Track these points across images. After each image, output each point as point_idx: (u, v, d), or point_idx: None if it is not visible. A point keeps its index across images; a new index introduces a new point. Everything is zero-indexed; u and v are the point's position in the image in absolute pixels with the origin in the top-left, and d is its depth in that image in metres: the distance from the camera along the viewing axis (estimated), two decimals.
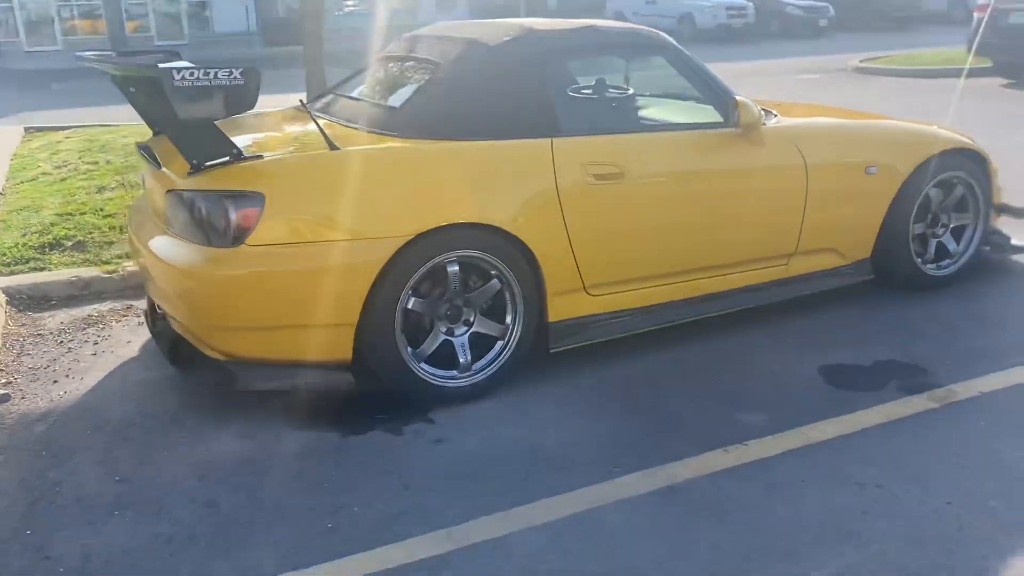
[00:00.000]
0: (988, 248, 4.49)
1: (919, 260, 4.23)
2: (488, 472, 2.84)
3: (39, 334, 4.05)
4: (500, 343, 3.33)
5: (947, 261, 4.34)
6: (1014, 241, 4.62)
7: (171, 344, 3.34)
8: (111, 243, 5.03)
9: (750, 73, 14.08)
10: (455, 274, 3.20)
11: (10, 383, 3.54)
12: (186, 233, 3.09)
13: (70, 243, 5.01)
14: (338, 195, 3.05)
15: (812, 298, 4.07)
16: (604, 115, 4.00)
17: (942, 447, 2.92)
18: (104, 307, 4.39)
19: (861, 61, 15.23)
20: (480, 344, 3.32)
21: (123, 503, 2.71)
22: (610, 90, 4.18)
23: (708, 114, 3.76)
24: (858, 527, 2.51)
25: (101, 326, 4.16)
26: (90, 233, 5.14)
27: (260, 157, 3.08)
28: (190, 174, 3.06)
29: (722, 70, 4.24)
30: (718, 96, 3.75)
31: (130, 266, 4.65)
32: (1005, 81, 12.82)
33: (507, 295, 3.30)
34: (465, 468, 2.87)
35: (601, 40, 3.74)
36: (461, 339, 3.29)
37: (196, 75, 2.73)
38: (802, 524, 2.54)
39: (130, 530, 2.57)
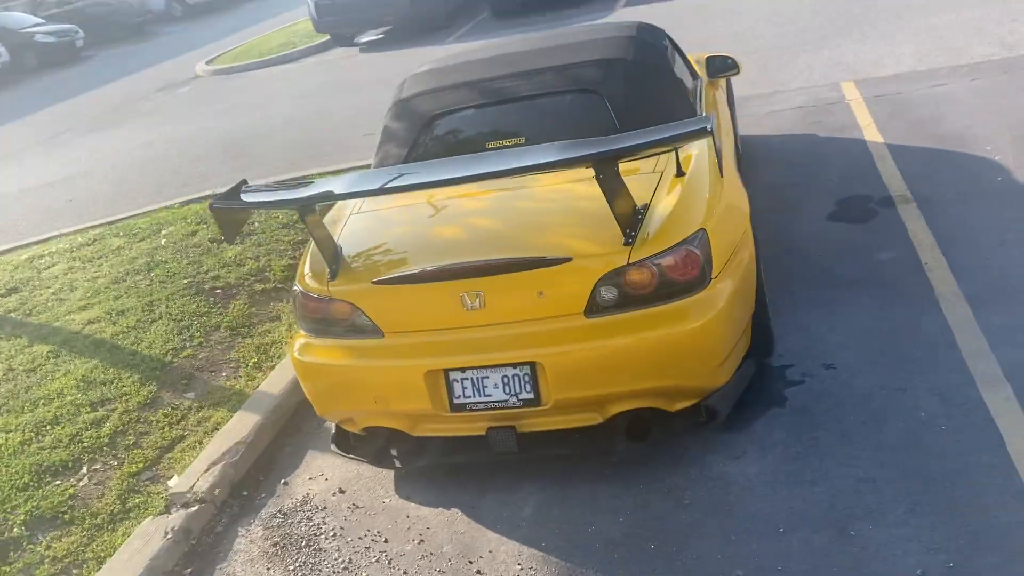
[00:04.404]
0: None
1: None
2: (899, 353, 3.50)
3: None
4: None
5: None
6: None
7: (631, 425, 3.06)
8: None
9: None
10: None
11: None
12: (634, 303, 2.93)
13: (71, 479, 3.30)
14: (724, 208, 3.25)
15: None
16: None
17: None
18: (239, 543, 3.27)
19: (208, 63, 15.26)
20: None
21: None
22: None
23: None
24: None
25: (324, 540, 3.17)
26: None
27: (647, 206, 3.03)
28: (626, 244, 2.87)
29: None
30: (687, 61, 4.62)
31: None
32: (344, 52, 14.36)
33: None
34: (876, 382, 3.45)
35: (657, 34, 4.25)
36: None
37: None
38: None
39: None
